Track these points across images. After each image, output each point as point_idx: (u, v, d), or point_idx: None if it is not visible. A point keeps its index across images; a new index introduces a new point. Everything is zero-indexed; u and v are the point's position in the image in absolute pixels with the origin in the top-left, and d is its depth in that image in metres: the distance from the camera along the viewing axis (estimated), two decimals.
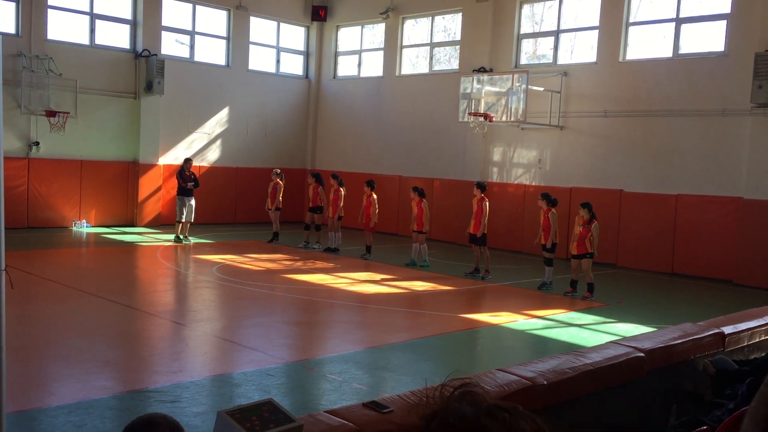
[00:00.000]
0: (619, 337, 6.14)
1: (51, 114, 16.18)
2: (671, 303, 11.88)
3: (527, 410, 1.09)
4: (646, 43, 15.48)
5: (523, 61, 17.47)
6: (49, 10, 16.72)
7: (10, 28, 16.24)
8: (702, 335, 4.91)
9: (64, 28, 17.09)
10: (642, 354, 4.25)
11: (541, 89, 16.12)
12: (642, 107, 15.13)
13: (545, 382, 3.58)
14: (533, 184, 17.00)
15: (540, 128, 16.60)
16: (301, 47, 21.85)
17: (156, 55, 17.95)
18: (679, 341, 4.70)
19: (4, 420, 3.93)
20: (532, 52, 17.69)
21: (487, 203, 13.12)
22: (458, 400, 1.09)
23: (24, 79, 15.98)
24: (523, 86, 15.61)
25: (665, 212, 14.67)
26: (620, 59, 15.60)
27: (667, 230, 14.64)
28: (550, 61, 16.96)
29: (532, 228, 16.69)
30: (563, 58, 16.84)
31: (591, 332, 9.21)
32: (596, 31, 16.02)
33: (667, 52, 14.98)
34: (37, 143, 16.62)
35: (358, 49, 21.22)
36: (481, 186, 13.21)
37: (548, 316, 10.04)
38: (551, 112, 16.33)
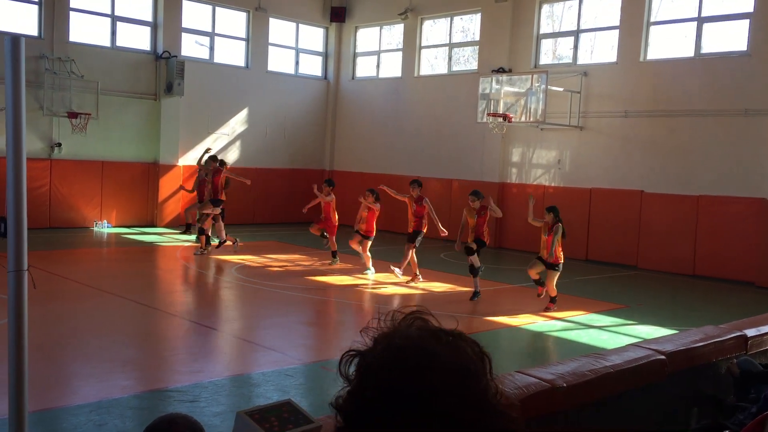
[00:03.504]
0: (640, 340, 6.09)
1: (73, 115, 16.36)
2: (692, 305, 11.76)
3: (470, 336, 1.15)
4: (667, 43, 15.34)
5: (543, 61, 17.38)
6: (71, 13, 16.91)
7: (33, 30, 16.45)
8: (724, 338, 4.85)
9: (85, 30, 17.27)
10: (663, 357, 4.21)
11: (561, 89, 16.03)
12: (663, 107, 14.99)
13: (564, 385, 3.56)
14: (552, 184, 16.91)
15: (559, 129, 16.51)
16: (320, 48, 21.91)
17: (176, 56, 18.09)
18: (701, 344, 4.65)
19: (26, 419, 3.97)
20: (552, 52, 17.60)
21: (428, 201, 12.20)
22: (408, 324, 1.14)
23: (46, 81, 16.18)
24: (543, 86, 15.54)
25: (686, 213, 14.53)
26: (641, 59, 15.47)
27: (688, 231, 14.49)
28: (570, 61, 16.86)
29: None
30: (583, 58, 16.73)
31: (611, 334, 9.14)
32: (617, 31, 15.89)
33: (689, 52, 14.83)
34: (59, 144, 16.82)
35: (377, 50, 21.23)
36: (419, 183, 12.28)
37: (567, 318, 9.98)
38: (571, 113, 16.23)
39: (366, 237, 12.54)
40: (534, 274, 10.56)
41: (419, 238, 11.95)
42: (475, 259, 10.83)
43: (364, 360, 1.12)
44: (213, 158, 14.51)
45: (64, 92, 16.48)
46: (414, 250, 11.88)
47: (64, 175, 16.87)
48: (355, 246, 12.63)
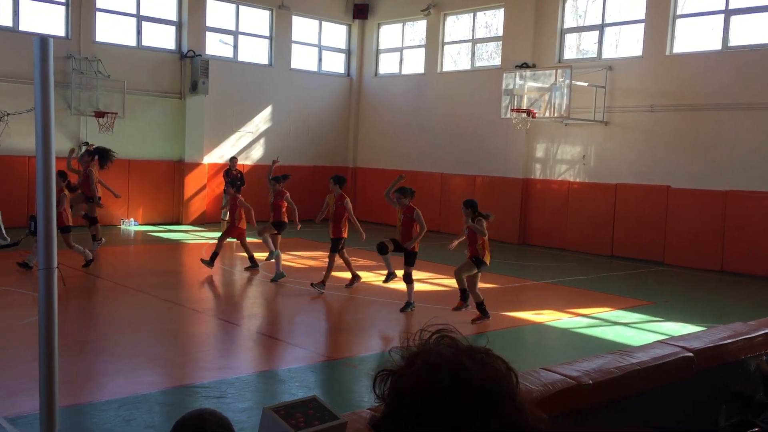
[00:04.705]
0: (666, 337, 6.03)
1: (100, 115, 16.57)
2: (720, 301, 11.60)
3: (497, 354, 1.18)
4: (694, 36, 15.13)
5: (567, 56, 17.24)
6: (97, 13, 17.12)
7: (60, 31, 16.68)
8: (753, 335, 4.79)
9: (111, 30, 17.48)
10: (690, 354, 4.17)
11: (585, 84, 15.89)
12: (690, 101, 14.79)
13: (590, 382, 3.54)
14: (577, 180, 16.78)
15: (584, 124, 16.37)
16: (343, 45, 21.94)
17: (201, 55, 18.24)
18: (729, 341, 4.59)
19: (56, 414, 4.04)
20: (576, 46, 17.45)
21: (349, 201, 10.73)
22: (437, 342, 1.16)
23: (74, 81, 16.40)
24: (567, 81, 15.41)
25: (714, 208, 14.33)
26: (667, 53, 15.28)
27: (716, 227, 14.30)
28: (595, 55, 16.70)
29: (576, 225, 16.50)
30: (608, 53, 16.56)
31: (637, 331, 9.06)
32: (642, 25, 15.71)
33: (716, 45, 14.61)
34: (86, 143, 17.03)
35: (400, 47, 21.21)
36: (340, 181, 10.75)
37: (593, 315, 9.91)
38: (595, 108, 16.08)
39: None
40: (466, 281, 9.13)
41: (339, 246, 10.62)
42: (387, 261, 9.72)
43: (399, 380, 1.14)
44: (283, 178, 12.04)
45: (91, 92, 16.68)
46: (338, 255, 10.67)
47: None
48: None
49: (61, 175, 10.96)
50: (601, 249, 16.00)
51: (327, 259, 10.72)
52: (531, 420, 1.12)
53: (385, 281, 10.14)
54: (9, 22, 16.08)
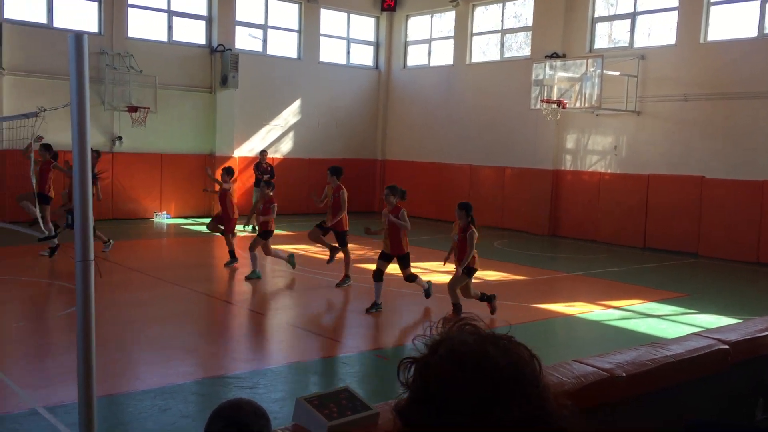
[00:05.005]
0: (701, 329, 5.95)
1: (132, 109, 16.80)
2: (757, 293, 11.40)
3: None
4: (728, 23, 14.83)
5: (598, 45, 17.02)
6: (129, 9, 17.33)
7: (93, 27, 16.93)
8: None
9: (143, 25, 17.70)
10: (726, 346, 4.11)
11: (617, 74, 15.68)
12: (724, 90, 14.51)
13: (624, 374, 3.51)
14: (609, 171, 16.59)
15: (616, 114, 16.16)
16: (371, 38, 21.92)
17: (230, 49, 18.38)
18: (766, 333, 4.51)
19: (94, 404, 4.13)
20: (608, 35, 17.22)
21: (345, 193, 10.25)
22: (459, 330, 1.17)
23: (107, 77, 16.65)
24: (598, 71, 15.22)
25: (750, 198, 14.06)
26: (701, 40, 15.00)
27: (752, 217, 14.03)
28: (627, 44, 16.46)
29: (607, 216, 16.32)
30: (640, 41, 16.31)
31: (670, 323, 8.95)
32: (675, 12, 15.44)
33: (752, 32, 14.30)
34: (120, 138, 17.31)
35: (428, 38, 21.13)
36: (337, 172, 10.36)
37: (625, 307, 9.81)
38: (627, 97, 15.86)
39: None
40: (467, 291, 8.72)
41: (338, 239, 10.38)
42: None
43: (423, 367, 1.15)
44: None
45: (124, 87, 16.92)
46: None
47: (125, 167, 17.34)
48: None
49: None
50: (634, 240, 15.81)
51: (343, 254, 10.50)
52: (555, 406, 1.12)
53: (369, 310, 8.95)
54: (44, 19, 16.37)
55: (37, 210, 11.20)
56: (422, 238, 15.94)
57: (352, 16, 21.37)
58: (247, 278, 10.72)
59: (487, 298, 8.83)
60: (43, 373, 6.32)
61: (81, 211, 4.10)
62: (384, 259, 9.11)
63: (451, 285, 8.65)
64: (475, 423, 1.07)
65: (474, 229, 8.48)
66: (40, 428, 5.06)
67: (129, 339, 7.62)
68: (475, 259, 8.66)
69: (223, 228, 11.86)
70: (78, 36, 4.08)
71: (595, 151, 17.00)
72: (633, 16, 16.33)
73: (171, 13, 18.07)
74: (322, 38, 20.67)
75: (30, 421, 5.18)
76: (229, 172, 11.91)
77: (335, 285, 10.38)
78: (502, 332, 1.19)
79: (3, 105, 15.44)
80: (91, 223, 4.17)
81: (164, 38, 18.04)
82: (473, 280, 8.97)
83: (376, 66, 21.96)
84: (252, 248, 10.74)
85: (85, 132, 4.03)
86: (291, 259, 11.14)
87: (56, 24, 16.43)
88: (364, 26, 21.80)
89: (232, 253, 11.72)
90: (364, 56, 21.88)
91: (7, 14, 15.77)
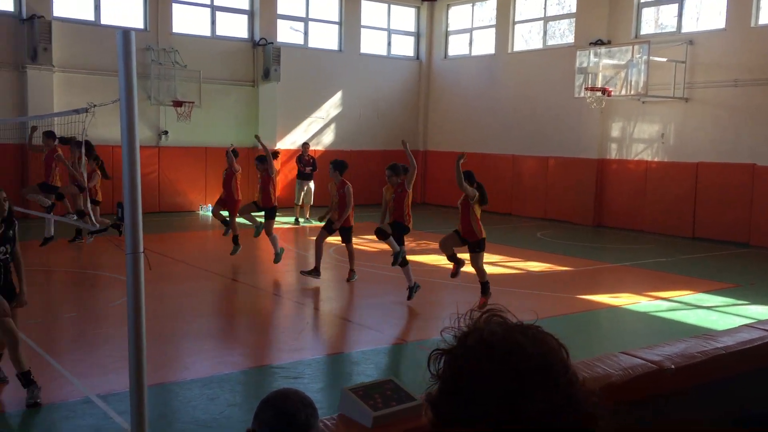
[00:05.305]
0: (753, 320, 5.81)
1: (178, 104, 17.08)
2: None
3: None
4: None
5: (644, 30, 16.66)
6: (174, 5, 17.61)
7: (139, 23, 17.25)
8: None
9: (187, 21, 17.96)
10: None
11: (664, 60, 15.33)
12: None
13: (673, 367, 3.45)
14: (656, 159, 16.26)
15: (663, 101, 15.81)
16: (412, 28, 21.85)
17: (272, 43, 18.53)
18: None
19: (145, 392, 4.23)
20: (654, 20, 16.83)
21: (350, 188, 9.85)
22: (486, 321, 1.18)
23: (152, 72, 16.95)
24: (644, 57, 14.90)
25: None
26: (752, 24, 14.56)
27: None
28: (674, 29, 16.08)
29: (654, 205, 16.00)
30: (688, 26, 15.91)
31: (720, 315, 8.76)
32: None
33: None
34: (166, 132, 17.63)
35: (469, 28, 20.96)
36: (340, 166, 10.00)
37: (673, 298, 9.62)
38: (675, 84, 15.50)
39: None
40: (447, 248, 8.65)
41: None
42: (391, 243, 8.92)
43: (453, 357, 1.16)
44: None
45: (169, 82, 17.21)
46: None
47: (171, 161, 17.66)
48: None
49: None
50: (682, 230, 15.48)
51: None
52: (583, 393, 1.12)
53: (395, 263, 8.99)
54: (91, 17, 16.73)
55: (76, 203, 11.57)
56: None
57: (392, 6, 21.32)
58: (303, 273, 10.14)
59: (456, 261, 8.69)
60: (96, 362, 6.50)
61: (130, 205, 4.20)
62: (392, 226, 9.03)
63: (474, 262, 8.44)
64: (506, 412, 1.08)
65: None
66: (93, 416, 5.21)
67: (177, 329, 7.78)
68: (481, 229, 8.40)
69: (227, 213, 11.56)
70: (126, 33, 4.16)
71: (641, 140, 16.67)
72: (680, 0, 15.93)
73: (214, 8, 18.29)
74: (362, 30, 20.68)
75: (84, 409, 5.33)
76: (235, 153, 11.98)
77: (346, 279, 10.10)
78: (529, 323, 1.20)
79: (54, 101, 15.85)
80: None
81: (208, 33, 18.28)
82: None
83: (417, 56, 21.89)
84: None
85: (134, 127, 4.11)
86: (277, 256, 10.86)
87: (103, 21, 16.78)
88: (405, 16, 21.73)
89: (235, 238, 11.48)
90: (404, 47, 21.82)
91: (56, 13, 16.16)
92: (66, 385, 5.85)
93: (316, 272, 9.89)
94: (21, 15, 15.74)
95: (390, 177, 8.99)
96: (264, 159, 11.23)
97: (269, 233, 10.86)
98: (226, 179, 12.05)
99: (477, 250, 8.33)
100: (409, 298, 8.81)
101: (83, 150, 8.51)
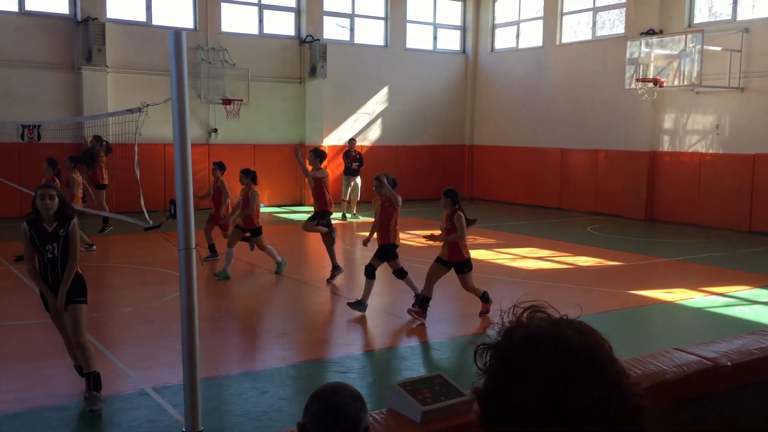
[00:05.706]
0: None
1: (227, 102, 17.36)
2: None
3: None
4: None
5: (698, 19, 16.22)
6: (222, 4, 17.88)
7: (189, 23, 17.57)
8: None
9: (235, 20, 18.22)
10: None
11: (719, 49, 14.89)
12: None
13: (729, 363, 3.37)
14: (710, 151, 15.82)
15: (717, 91, 15.37)
16: (458, 22, 21.71)
17: (319, 39, 18.65)
18: None
19: (198, 385, 4.32)
20: (708, 9, 16.37)
21: (324, 174, 9.86)
22: (530, 316, 1.18)
23: (202, 71, 17.26)
24: (698, 47, 14.51)
25: None
26: None
27: None
28: (729, 17, 15.61)
29: (709, 199, 15.59)
30: (743, 14, 15.42)
31: None
32: None
33: None
34: (215, 130, 17.92)
35: (516, 20, 20.72)
36: (320, 155, 10.00)
37: (729, 293, 9.36)
38: (730, 73, 15.05)
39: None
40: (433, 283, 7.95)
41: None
42: (411, 284, 8.51)
43: (500, 351, 1.16)
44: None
45: (219, 80, 17.50)
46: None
47: (220, 158, 17.89)
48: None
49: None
50: (738, 224, 15.05)
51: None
52: (629, 384, 1.12)
53: (416, 304, 8.12)
54: (143, 17, 17.11)
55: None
56: (513, 223, 15.75)
57: (438, 1, 21.22)
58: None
59: (484, 298, 8.06)
60: (151, 355, 6.66)
61: (182, 201, 4.29)
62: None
63: (465, 284, 7.95)
64: (552, 406, 1.07)
65: (461, 213, 7.73)
66: (148, 408, 5.35)
67: (227, 323, 7.91)
68: (467, 252, 7.84)
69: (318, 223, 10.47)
70: (177, 33, 4.25)
71: (695, 131, 16.25)
72: None
73: (261, 6, 18.51)
74: (408, 24, 20.64)
75: (139, 401, 5.48)
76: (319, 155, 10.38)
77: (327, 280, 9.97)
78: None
79: (108, 101, 16.27)
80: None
81: (255, 31, 18.50)
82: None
83: (463, 50, 21.75)
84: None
85: (186, 125, 4.20)
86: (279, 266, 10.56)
87: (155, 22, 17.13)
88: (451, 10, 21.61)
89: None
90: (450, 41, 21.70)
91: (110, 14, 16.57)
92: (122, 378, 6.01)
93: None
94: (76, 17, 16.19)
95: (377, 188, 8.22)
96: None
97: (263, 247, 10.49)
98: (316, 185, 10.29)
99: (466, 270, 7.79)
100: (415, 305, 8.06)
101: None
